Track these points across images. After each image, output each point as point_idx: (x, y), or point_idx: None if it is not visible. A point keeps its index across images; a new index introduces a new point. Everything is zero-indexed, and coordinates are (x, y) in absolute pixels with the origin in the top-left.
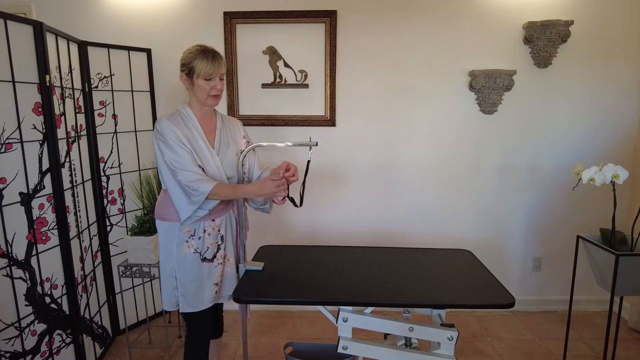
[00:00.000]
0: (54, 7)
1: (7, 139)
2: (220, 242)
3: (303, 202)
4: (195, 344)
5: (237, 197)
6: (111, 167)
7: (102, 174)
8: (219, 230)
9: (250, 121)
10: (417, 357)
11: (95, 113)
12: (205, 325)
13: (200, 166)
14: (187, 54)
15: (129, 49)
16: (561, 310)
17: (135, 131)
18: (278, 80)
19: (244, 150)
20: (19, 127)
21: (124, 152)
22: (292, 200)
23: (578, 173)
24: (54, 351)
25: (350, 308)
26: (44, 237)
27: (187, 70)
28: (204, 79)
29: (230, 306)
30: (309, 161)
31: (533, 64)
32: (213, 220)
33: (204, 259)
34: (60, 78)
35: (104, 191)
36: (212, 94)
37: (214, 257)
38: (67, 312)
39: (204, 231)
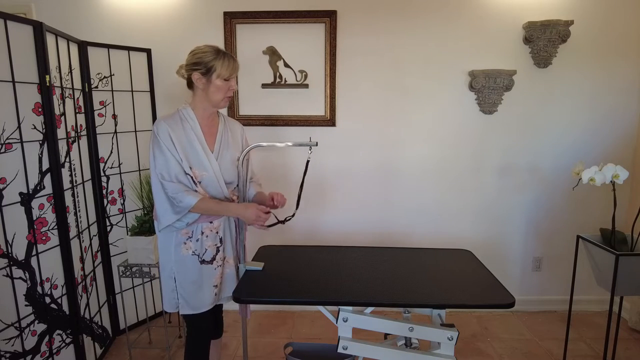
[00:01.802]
0: (54, 7)
1: (7, 139)
2: (219, 244)
3: (299, 204)
4: (195, 345)
5: (218, 214)
6: (111, 167)
7: (102, 174)
8: (217, 232)
9: (250, 121)
10: (417, 357)
11: (95, 113)
12: (205, 326)
13: (188, 174)
14: (202, 53)
15: (129, 49)
16: (561, 310)
17: (135, 131)
18: (278, 80)
19: (242, 152)
20: (19, 127)
21: (124, 152)
22: (278, 221)
23: (578, 173)
24: (54, 351)
25: (350, 308)
26: (44, 237)
27: (205, 69)
28: (224, 79)
29: (230, 306)
30: (308, 161)
31: (533, 64)
32: (211, 222)
33: (202, 261)
34: (60, 78)
35: (104, 191)
36: (229, 95)
37: (213, 259)
38: (67, 312)
39: (202, 233)
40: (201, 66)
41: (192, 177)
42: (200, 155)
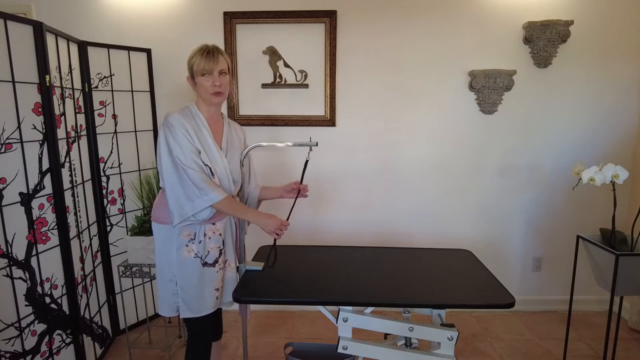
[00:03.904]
0: (54, 7)
1: (7, 139)
2: (221, 247)
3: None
4: (197, 348)
5: (236, 216)
6: (111, 167)
7: (102, 174)
8: (220, 234)
9: (250, 121)
10: (417, 357)
11: (95, 113)
12: (207, 328)
13: (207, 165)
14: (189, 56)
15: (129, 49)
16: (561, 310)
17: (135, 131)
18: (278, 80)
19: (243, 151)
20: (19, 127)
21: (124, 152)
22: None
23: (578, 173)
24: (54, 351)
25: (350, 308)
26: (44, 237)
27: (190, 71)
28: (201, 75)
29: (230, 306)
30: (307, 161)
31: (533, 64)
32: (214, 224)
33: (205, 264)
34: (60, 78)
35: (104, 191)
36: (213, 91)
37: (216, 261)
38: (67, 312)
39: (205, 235)
40: (188, 69)
41: (210, 169)
42: (214, 150)
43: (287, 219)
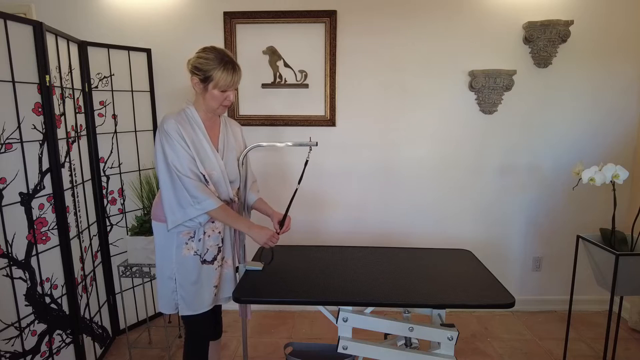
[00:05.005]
0: (54, 7)
1: (7, 139)
2: (220, 244)
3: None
4: (194, 346)
5: (228, 225)
6: (111, 167)
7: (102, 174)
8: (219, 232)
9: (250, 121)
10: (417, 357)
11: (95, 113)
12: (204, 327)
13: (202, 173)
14: (204, 59)
15: (129, 49)
16: (561, 310)
17: (135, 131)
18: (278, 80)
19: (243, 151)
20: (19, 127)
21: (124, 152)
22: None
23: (578, 173)
24: (54, 351)
25: (350, 308)
26: (44, 237)
27: (203, 77)
28: (221, 90)
29: (230, 306)
30: (307, 161)
31: (533, 63)
32: (213, 222)
33: (203, 261)
34: (60, 78)
35: (104, 191)
36: (225, 104)
37: (215, 259)
38: (67, 312)
39: (204, 233)
40: (200, 73)
41: (204, 176)
42: (209, 154)
43: (283, 221)
